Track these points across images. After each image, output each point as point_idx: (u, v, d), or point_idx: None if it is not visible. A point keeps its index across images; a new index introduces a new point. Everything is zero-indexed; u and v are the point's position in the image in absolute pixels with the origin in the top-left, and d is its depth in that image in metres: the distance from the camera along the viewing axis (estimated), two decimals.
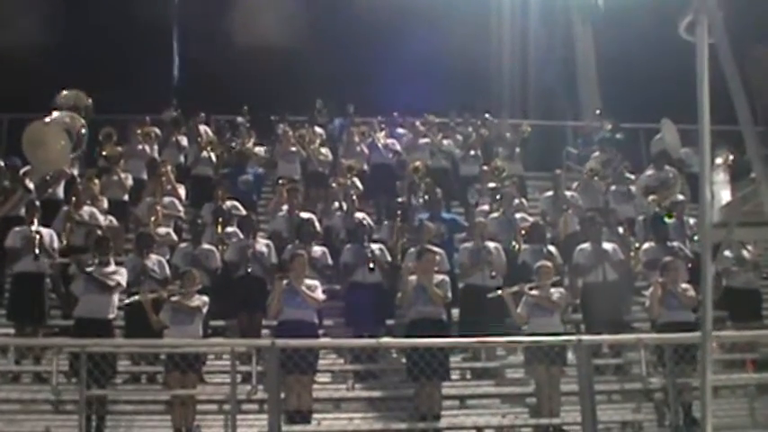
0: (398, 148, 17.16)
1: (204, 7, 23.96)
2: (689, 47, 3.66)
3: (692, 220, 13.59)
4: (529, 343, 9.95)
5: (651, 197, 14.39)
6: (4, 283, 12.65)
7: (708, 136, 3.64)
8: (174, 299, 10.38)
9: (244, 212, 13.44)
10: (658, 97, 18.85)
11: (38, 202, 12.29)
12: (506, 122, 18.59)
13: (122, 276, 10.78)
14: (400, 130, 18.23)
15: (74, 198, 12.72)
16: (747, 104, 3.63)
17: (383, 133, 17.67)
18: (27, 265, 11.53)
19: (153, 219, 12.85)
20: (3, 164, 13.99)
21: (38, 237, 11.52)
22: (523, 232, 12.98)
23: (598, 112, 20.11)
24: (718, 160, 6.05)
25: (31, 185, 13.02)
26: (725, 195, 4.48)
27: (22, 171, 13.03)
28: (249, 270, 11.73)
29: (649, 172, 15.85)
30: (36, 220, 11.75)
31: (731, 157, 9.41)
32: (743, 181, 4.39)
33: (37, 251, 11.43)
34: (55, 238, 11.90)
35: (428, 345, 9.25)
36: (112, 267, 10.79)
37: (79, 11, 22.33)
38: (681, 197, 14.80)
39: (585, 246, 12.05)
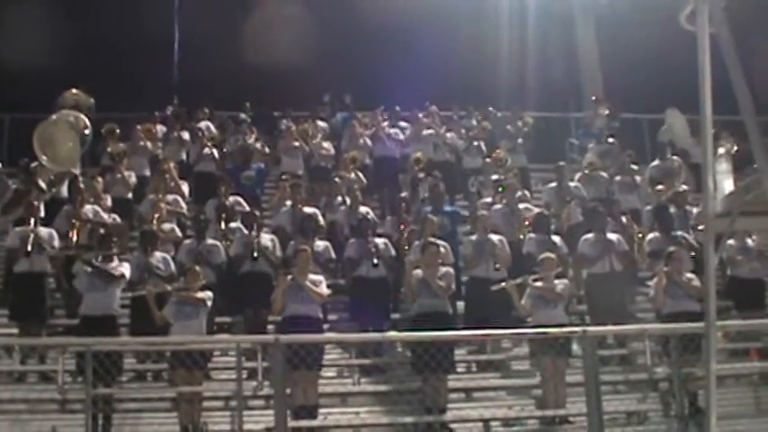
0: (401, 139, 17.16)
1: (206, 4, 23.98)
2: (693, 36, 3.66)
3: (695, 210, 13.58)
4: (534, 335, 9.93)
5: (658, 187, 14.38)
6: (8, 284, 12.69)
7: (710, 126, 3.64)
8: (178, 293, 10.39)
9: (247, 208, 13.42)
10: (662, 88, 18.85)
11: (36, 202, 12.28)
12: (510, 115, 18.55)
13: (126, 269, 10.80)
14: (403, 123, 18.22)
15: (79, 197, 12.71)
16: (750, 94, 3.62)
17: (386, 124, 17.65)
18: (23, 264, 11.56)
19: (157, 216, 12.86)
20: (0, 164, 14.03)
21: (32, 236, 11.53)
22: (527, 223, 12.97)
23: (594, 98, 20.05)
24: (721, 150, 6.05)
25: (43, 185, 13.00)
26: (728, 185, 4.46)
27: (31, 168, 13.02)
28: (255, 255, 11.75)
29: (655, 162, 15.85)
30: (34, 219, 11.73)
31: (736, 147, 9.42)
32: (746, 170, 4.38)
33: (29, 248, 11.43)
34: (55, 236, 11.89)
35: (434, 338, 9.26)
36: (116, 263, 10.80)
37: (81, 9, 22.35)
38: (684, 187, 14.79)
39: (590, 236, 12.02)
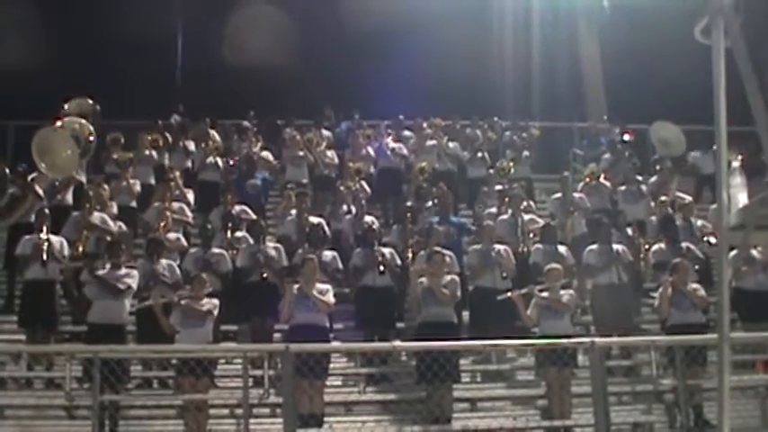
0: (405, 151, 17.17)
1: (208, 11, 24.01)
2: (695, 47, 3.68)
3: (699, 222, 13.60)
4: (542, 345, 9.92)
5: (662, 198, 14.38)
6: (14, 291, 12.71)
7: (725, 139, 3.63)
8: (183, 302, 10.39)
9: (253, 217, 13.46)
10: (665, 98, 18.91)
11: (47, 210, 12.30)
12: (515, 125, 18.60)
13: (134, 279, 10.78)
14: (407, 133, 18.23)
15: (87, 205, 12.73)
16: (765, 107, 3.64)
17: (390, 137, 17.69)
18: (36, 272, 11.55)
19: (163, 224, 12.87)
20: (8, 171, 14.01)
21: (46, 244, 11.54)
22: (532, 235, 12.98)
23: (605, 118, 20.10)
24: (735, 163, 6.07)
25: (40, 192, 13.01)
26: (742, 198, 4.47)
27: (30, 177, 13.02)
28: (264, 276, 11.76)
29: (653, 178, 15.84)
30: (46, 228, 11.74)
31: (740, 157, 9.44)
32: (755, 180, 4.39)
33: (45, 258, 11.44)
34: (65, 244, 11.91)
35: (441, 348, 9.28)
36: (124, 271, 10.80)
37: (83, 16, 22.39)
38: (688, 198, 14.79)
39: (595, 247, 12.03)
